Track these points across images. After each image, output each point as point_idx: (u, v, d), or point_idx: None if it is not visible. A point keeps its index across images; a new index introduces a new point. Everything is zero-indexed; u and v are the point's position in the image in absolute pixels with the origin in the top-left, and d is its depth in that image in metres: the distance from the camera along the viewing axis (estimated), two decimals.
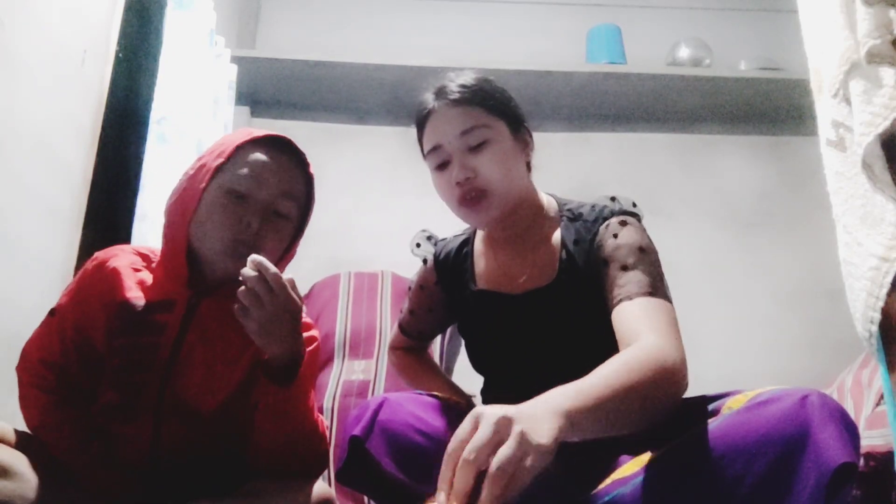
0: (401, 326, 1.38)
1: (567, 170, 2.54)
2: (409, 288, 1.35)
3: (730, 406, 0.87)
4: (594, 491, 0.90)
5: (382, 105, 2.62)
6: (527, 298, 1.13)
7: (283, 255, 1.07)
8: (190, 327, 1.01)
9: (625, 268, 1.01)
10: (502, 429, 0.66)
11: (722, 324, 2.34)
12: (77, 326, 1.02)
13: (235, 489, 0.93)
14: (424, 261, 1.32)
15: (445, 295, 1.28)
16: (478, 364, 1.24)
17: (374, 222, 2.50)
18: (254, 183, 1.01)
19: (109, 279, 1.03)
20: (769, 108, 2.59)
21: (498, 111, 1.14)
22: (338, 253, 2.39)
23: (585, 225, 1.12)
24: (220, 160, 1.01)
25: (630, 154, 2.64)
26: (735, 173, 2.62)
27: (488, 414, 0.68)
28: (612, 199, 1.18)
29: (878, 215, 0.83)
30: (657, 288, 0.98)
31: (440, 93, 1.15)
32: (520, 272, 1.16)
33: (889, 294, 0.80)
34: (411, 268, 1.43)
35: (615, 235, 1.06)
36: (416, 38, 2.69)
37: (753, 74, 2.50)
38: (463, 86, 1.14)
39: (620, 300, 0.97)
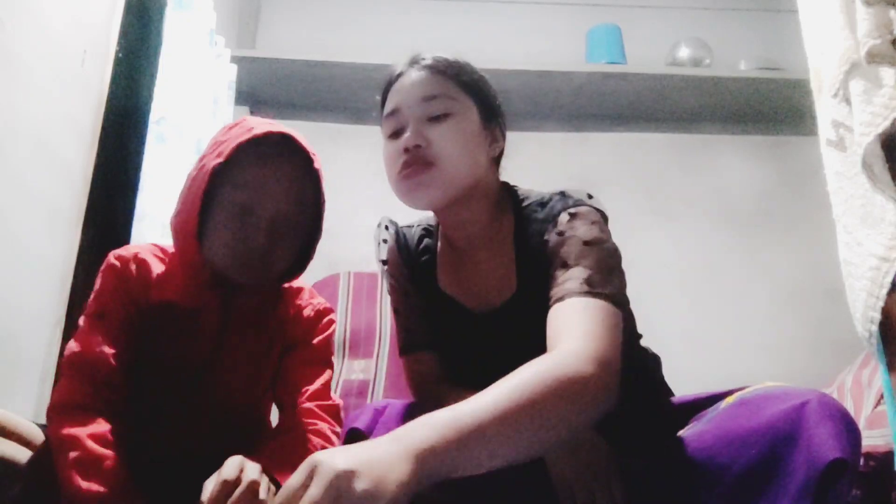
0: (406, 348, 1.13)
1: (567, 170, 2.54)
2: (394, 310, 1.16)
3: (728, 401, 0.88)
4: None
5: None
6: (487, 317, 1.03)
7: (300, 260, 1.04)
8: (228, 329, 0.99)
9: (565, 265, 0.91)
10: (342, 485, 0.57)
11: (722, 324, 2.33)
12: (124, 327, 0.95)
13: None
14: (383, 262, 1.19)
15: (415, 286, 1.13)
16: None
17: (374, 222, 2.48)
18: (258, 195, 0.96)
19: (138, 278, 0.97)
20: (769, 108, 2.58)
21: (470, 90, 1.05)
22: (337, 253, 2.38)
23: (539, 228, 1.01)
24: (219, 160, 0.94)
25: (630, 154, 2.64)
26: (735, 173, 2.62)
27: (326, 467, 0.58)
28: (562, 193, 1.04)
29: (878, 215, 0.83)
30: (596, 284, 0.87)
31: (413, 59, 1.08)
32: (479, 285, 1.05)
33: (889, 294, 0.81)
34: None
35: (560, 233, 0.96)
36: (417, 39, 2.66)
37: (753, 74, 2.50)
38: (439, 57, 1.06)
39: (553, 302, 0.89)
